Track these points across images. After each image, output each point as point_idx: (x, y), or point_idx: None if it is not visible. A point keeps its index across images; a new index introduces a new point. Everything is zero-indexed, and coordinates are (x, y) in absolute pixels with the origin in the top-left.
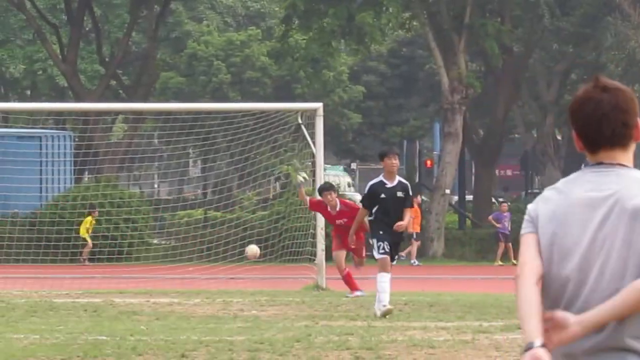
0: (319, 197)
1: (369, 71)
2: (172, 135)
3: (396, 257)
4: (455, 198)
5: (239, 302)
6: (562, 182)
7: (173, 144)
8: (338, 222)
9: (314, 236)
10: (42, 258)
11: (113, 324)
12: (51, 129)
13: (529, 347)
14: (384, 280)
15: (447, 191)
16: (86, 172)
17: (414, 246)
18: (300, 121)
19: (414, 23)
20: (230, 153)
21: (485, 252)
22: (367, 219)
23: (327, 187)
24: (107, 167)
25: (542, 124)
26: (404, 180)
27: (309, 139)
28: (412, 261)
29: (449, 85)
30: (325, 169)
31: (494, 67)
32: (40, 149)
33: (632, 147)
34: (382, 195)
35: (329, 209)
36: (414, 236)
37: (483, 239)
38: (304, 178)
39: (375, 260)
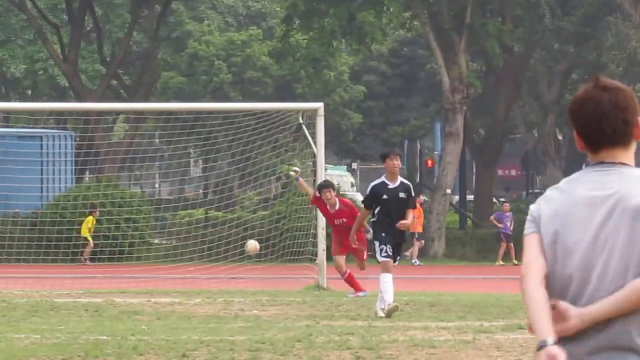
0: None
1: (370, 71)
2: (173, 135)
3: (398, 258)
4: (456, 198)
5: (240, 302)
6: (564, 182)
7: (174, 144)
8: (337, 221)
9: (315, 236)
10: (43, 258)
11: (114, 323)
12: (52, 128)
13: (542, 346)
14: (386, 280)
15: (448, 191)
16: (87, 172)
17: (416, 246)
18: (301, 121)
19: (415, 23)
20: (231, 153)
21: (486, 252)
22: (368, 219)
23: (326, 185)
24: (108, 166)
25: (543, 123)
26: (406, 181)
27: (309, 138)
28: (413, 261)
29: (450, 85)
30: (327, 169)
31: (495, 67)
32: (41, 149)
33: (633, 145)
34: (384, 196)
35: (327, 207)
36: (416, 236)
37: (484, 239)
38: (294, 171)
39: (378, 262)
